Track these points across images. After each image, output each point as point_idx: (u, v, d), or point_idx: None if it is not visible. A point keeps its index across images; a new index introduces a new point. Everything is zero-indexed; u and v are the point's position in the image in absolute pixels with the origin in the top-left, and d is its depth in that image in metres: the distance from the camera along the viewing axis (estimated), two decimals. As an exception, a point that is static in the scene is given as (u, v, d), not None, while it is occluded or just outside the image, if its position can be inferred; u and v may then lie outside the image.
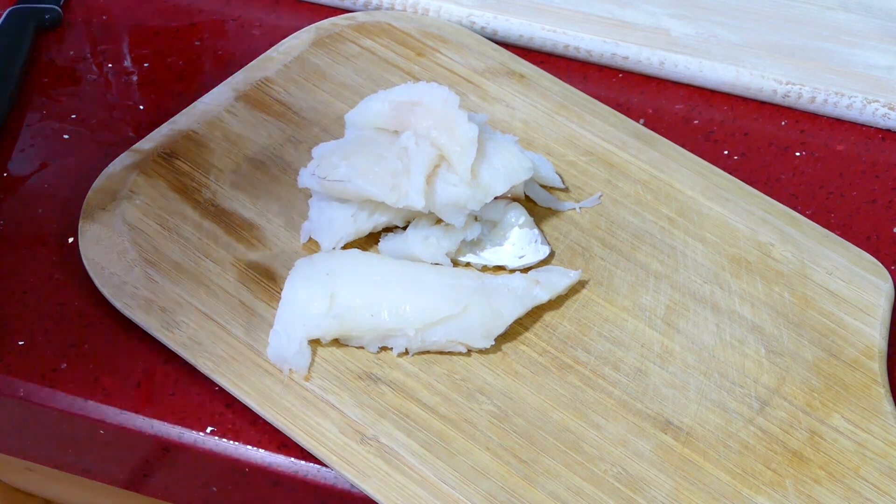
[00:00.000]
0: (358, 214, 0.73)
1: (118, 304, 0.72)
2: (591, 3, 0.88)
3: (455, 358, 0.70)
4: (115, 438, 0.70)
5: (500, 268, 0.74)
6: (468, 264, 0.73)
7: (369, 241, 0.74)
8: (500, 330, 0.70)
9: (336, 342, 0.70)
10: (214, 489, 0.70)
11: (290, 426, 0.67)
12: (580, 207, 0.77)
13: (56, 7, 0.89)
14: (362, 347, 0.70)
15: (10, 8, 0.88)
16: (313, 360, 0.69)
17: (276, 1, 0.91)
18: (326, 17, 0.88)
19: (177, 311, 0.71)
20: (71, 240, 0.75)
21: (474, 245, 0.74)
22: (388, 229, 0.75)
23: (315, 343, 0.69)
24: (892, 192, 0.81)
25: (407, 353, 0.70)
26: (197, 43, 0.88)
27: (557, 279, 0.71)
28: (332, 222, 0.73)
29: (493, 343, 0.70)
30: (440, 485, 0.65)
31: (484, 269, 0.73)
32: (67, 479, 0.65)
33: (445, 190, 0.72)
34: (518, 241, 0.74)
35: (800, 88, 0.84)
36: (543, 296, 0.71)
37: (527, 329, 0.71)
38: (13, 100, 0.83)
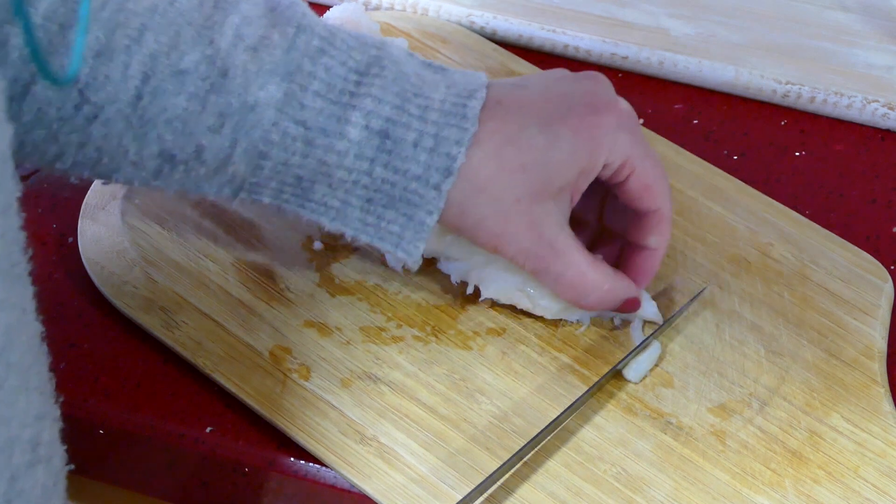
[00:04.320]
0: None
1: (118, 304, 0.72)
2: (591, 2, 0.88)
3: (455, 358, 0.70)
4: (115, 439, 0.70)
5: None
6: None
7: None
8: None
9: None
10: (214, 489, 0.70)
11: (290, 426, 0.67)
12: (580, 207, 0.77)
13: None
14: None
15: (10, 8, 0.88)
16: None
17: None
18: (326, 17, 0.88)
19: (177, 311, 0.71)
20: (71, 239, 0.75)
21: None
22: None
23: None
24: (892, 192, 0.81)
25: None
26: (197, 43, 0.88)
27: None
28: None
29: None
30: (440, 485, 0.65)
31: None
32: (67, 479, 0.65)
33: None
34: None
35: (799, 88, 0.84)
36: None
37: (526, 329, 0.71)
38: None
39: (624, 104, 0.68)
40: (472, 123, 0.64)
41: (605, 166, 0.66)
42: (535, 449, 0.66)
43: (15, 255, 0.50)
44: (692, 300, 0.72)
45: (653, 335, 0.70)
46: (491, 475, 0.64)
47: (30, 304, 0.52)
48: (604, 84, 0.69)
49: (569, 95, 0.67)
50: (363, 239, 0.66)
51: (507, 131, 0.65)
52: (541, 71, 0.76)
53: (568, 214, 0.67)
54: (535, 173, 0.65)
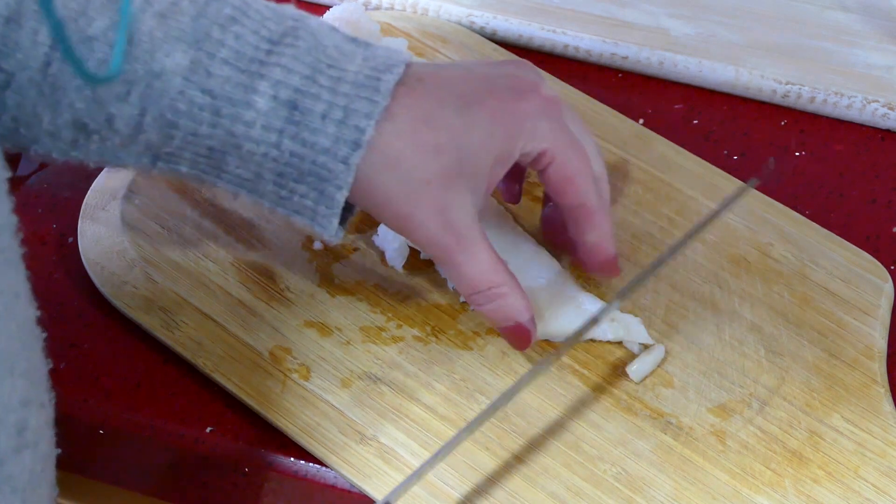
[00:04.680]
0: None
1: (118, 304, 0.72)
2: (591, 2, 0.88)
3: (455, 358, 0.70)
4: (115, 439, 0.70)
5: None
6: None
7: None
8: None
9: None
10: (214, 489, 0.70)
11: (290, 426, 0.67)
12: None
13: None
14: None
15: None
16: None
17: (276, 1, 0.91)
18: (326, 17, 0.88)
19: (177, 311, 0.71)
20: (71, 240, 0.75)
21: None
22: None
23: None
24: (892, 192, 0.81)
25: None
26: (197, 43, 0.88)
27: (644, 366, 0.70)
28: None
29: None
30: (440, 485, 0.65)
31: None
32: (66, 479, 0.65)
33: None
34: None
35: (799, 88, 0.84)
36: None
37: (526, 329, 0.71)
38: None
39: (548, 91, 0.66)
40: (384, 97, 0.62)
41: (523, 154, 0.65)
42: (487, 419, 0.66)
43: (4, 239, 0.50)
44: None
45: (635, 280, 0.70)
46: (449, 442, 0.64)
47: (21, 288, 0.52)
48: (529, 70, 0.67)
49: (491, 78, 0.66)
50: (280, 212, 0.65)
51: (423, 108, 0.63)
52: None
53: (480, 205, 0.65)
54: (448, 155, 0.63)
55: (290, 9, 0.65)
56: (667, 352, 0.70)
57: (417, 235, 0.64)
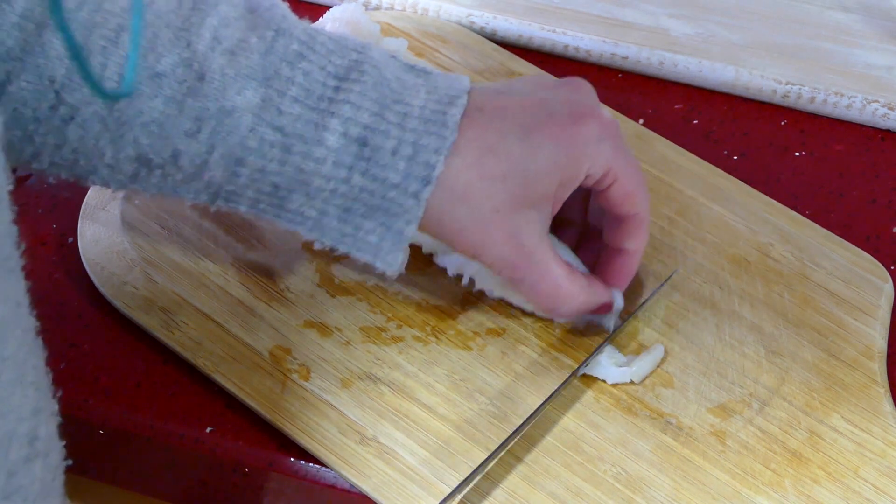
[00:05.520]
0: None
1: (118, 304, 0.72)
2: (591, 2, 0.88)
3: (455, 358, 0.70)
4: (115, 439, 0.70)
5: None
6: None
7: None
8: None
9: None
10: (214, 489, 0.70)
11: (289, 426, 0.67)
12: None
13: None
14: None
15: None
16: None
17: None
18: (326, 17, 0.88)
19: (177, 311, 0.71)
20: (71, 240, 0.75)
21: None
22: None
23: None
24: (892, 192, 0.81)
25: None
26: (197, 43, 0.88)
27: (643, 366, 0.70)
28: None
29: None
30: (440, 485, 0.65)
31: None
32: (66, 480, 0.65)
33: None
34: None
35: (799, 88, 0.84)
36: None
37: (526, 329, 0.71)
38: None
39: (605, 112, 0.67)
40: (452, 132, 0.64)
41: (587, 176, 0.66)
42: (517, 438, 0.66)
43: (7, 248, 0.51)
44: (662, 284, 0.73)
45: (623, 322, 0.71)
46: (477, 467, 0.65)
47: (23, 298, 0.52)
48: (586, 91, 0.68)
49: (550, 102, 0.66)
50: (341, 249, 0.66)
51: (486, 139, 0.64)
52: (528, 75, 0.78)
53: (548, 224, 0.66)
54: (514, 182, 0.64)
55: (352, 39, 0.65)
56: (667, 352, 0.70)
57: (491, 259, 0.66)
